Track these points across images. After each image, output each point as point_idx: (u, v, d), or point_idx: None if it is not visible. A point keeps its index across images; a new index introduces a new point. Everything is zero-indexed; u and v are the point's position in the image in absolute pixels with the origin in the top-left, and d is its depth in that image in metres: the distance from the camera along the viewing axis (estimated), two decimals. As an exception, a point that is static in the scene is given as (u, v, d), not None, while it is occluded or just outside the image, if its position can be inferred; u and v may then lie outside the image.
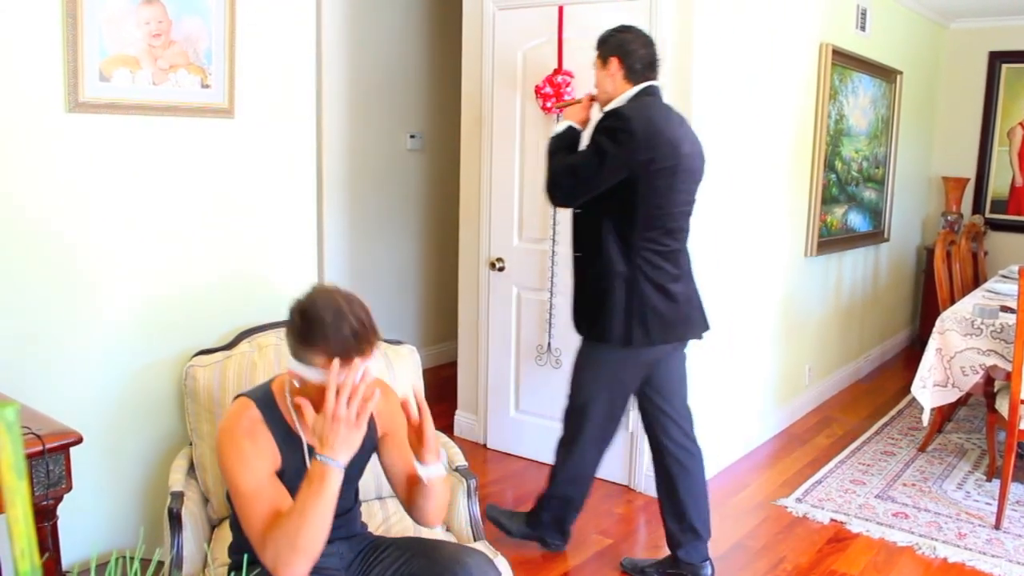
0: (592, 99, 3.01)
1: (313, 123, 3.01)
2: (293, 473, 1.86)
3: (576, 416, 3.07)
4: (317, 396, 1.78)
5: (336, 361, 1.74)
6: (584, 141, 2.92)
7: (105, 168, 2.44)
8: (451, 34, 5.23)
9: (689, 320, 2.96)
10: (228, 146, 2.73)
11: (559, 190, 2.88)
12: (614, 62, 2.87)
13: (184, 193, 2.63)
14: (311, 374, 1.78)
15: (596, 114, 2.96)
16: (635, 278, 2.82)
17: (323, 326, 1.76)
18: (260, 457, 1.82)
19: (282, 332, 2.64)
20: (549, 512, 3.20)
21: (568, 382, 3.10)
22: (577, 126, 2.99)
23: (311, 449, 1.85)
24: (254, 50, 2.75)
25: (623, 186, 2.76)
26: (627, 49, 2.86)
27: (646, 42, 2.89)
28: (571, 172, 2.83)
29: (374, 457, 2.06)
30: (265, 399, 1.91)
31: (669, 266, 2.86)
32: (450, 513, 2.46)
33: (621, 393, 3.02)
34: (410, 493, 2.00)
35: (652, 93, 2.88)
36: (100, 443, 2.51)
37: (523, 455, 4.18)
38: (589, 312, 2.92)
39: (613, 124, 2.77)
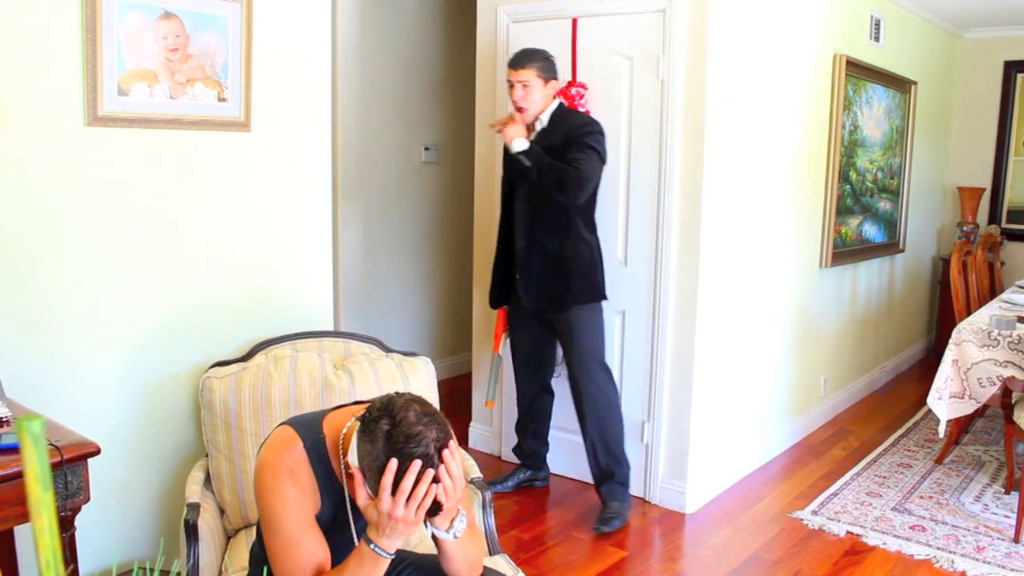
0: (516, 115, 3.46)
1: (328, 136, 3.03)
2: (329, 519, 1.80)
3: (606, 373, 3.58)
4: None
5: (394, 461, 1.60)
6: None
7: (123, 181, 2.46)
8: (465, 47, 5.25)
9: None
10: (244, 159, 2.75)
11: (586, 188, 3.35)
12: (552, 82, 3.45)
13: (201, 206, 2.66)
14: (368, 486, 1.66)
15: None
16: (597, 247, 3.54)
17: (401, 472, 1.60)
18: (302, 501, 1.74)
19: (297, 343, 2.67)
20: (626, 467, 3.64)
21: (581, 356, 3.52)
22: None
23: (354, 507, 1.78)
24: (270, 64, 2.77)
25: None
26: (556, 69, 3.49)
27: None
28: (591, 172, 3.33)
29: None
30: (315, 441, 1.78)
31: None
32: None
33: None
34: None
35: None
36: (117, 454, 2.52)
37: (537, 467, 4.18)
38: (567, 280, 3.47)
39: (596, 129, 3.42)
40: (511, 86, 3.45)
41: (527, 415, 3.89)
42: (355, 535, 1.81)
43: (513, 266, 3.64)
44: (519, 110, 3.43)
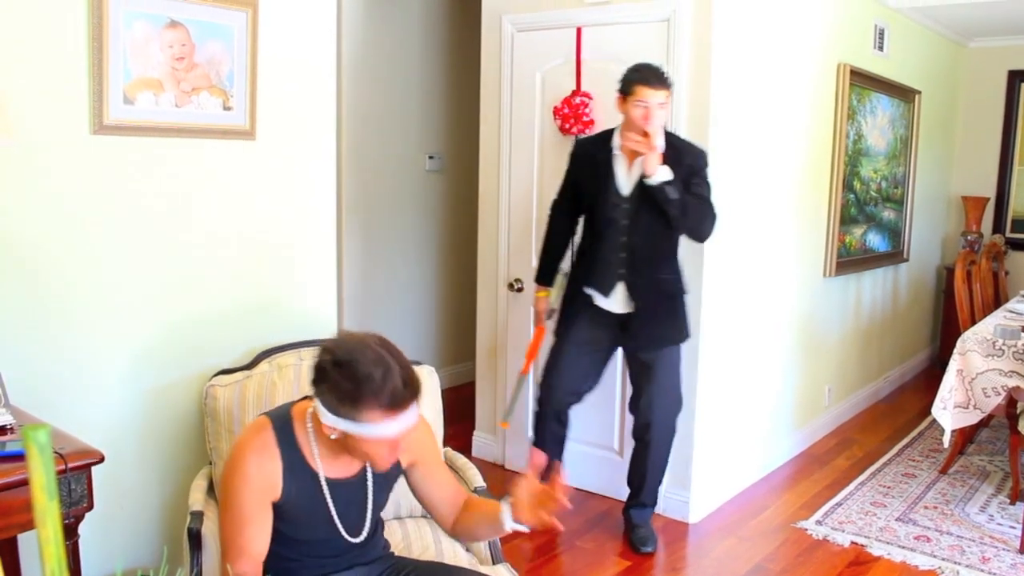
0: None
1: (333, 144, 3.04)
2: (298, 501, 1.85)
3: (679, 409, 3.46)
4: (362, 449, 1.74)
5: (386, 420, 1.68)
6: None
7: (128, 189, 2.46)
8: (470, 55, 5.26)
9: None
10: (249, 168, 2.76)
11: (714, 226, 3.21)
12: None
13: (205, 214, 2.66)
14: (360, 430, 1.69)
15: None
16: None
17: (372, 382, 1.66)
18: (262, 481, 1.80)
19: (301, 352, 2.67)
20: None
21: (663, 393, 3.38)
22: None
23: (332, 486, 1.87)
24: (275, 72, 2.78)
25: None
26: None
27: None
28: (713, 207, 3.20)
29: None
30: (283, 422, 1.88)
31: None
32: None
33: None
34: (459, 518, 2.00)
35: None
36: (121, 462, 2.52)
37: (541, 475, 4.17)
38: (675, 319, 3.33)
39: (708, 162, 3.22)
40: (644, 108, 3.03)
41: (555, 426, 3.56)
42: (333, 512, 1.88)
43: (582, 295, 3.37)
44: (645, 134, 3.02)
